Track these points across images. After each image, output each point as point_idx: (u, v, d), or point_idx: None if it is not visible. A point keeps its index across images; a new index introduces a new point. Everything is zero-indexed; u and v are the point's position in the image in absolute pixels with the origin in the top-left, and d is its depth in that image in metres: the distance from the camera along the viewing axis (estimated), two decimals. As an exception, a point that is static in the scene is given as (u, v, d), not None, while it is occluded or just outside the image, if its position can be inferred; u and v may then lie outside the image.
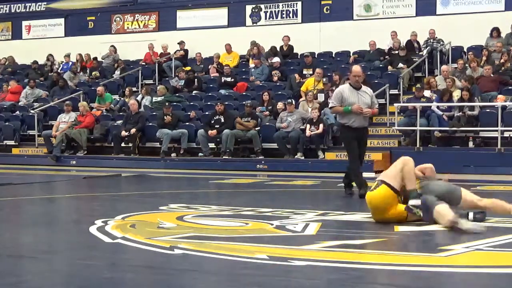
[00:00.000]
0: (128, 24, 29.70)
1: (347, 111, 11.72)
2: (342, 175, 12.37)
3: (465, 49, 22.98)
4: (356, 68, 12.06)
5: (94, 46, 28.69)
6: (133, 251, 6.95)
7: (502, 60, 21.14)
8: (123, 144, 21.48)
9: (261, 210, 9.82)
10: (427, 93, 19.72)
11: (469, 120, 18.42)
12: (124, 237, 7.55)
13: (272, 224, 8.46)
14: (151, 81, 26.26)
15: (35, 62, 29.06)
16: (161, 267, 6.21)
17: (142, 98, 23.61)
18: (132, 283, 5.76)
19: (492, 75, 20.10)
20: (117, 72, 27.06)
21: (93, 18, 30.06)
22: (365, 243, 7.33)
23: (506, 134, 18.10)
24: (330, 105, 12.46)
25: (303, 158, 19.04)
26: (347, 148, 12.09)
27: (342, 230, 8.28)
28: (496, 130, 17.89)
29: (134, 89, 25.28)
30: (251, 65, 25.10)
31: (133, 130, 21.02)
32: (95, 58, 28.47)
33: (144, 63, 27.24)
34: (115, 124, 22.19)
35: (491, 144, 18.11)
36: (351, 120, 11.80)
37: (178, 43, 27.07)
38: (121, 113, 23.15)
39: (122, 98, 24.68)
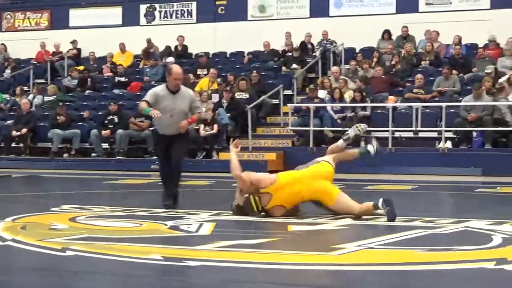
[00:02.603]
0: (19, 21, 29.10)
1: (146, 113, 10.41)
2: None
3: (357, 51, 23.34)
4: (177, 70, 10.35)
5: (-17, 44, 28.02)
6: (24, 253, 6.81)
7: (393, 62, 21.60)
8: (13, 144, 21.07)
9: (155, 211, 9.77)
10: (321, 93, 19.97)
11: (361, 121, 18.71)
12: (14, 239, 7.38)
13: (166, 225, 8.43)
14: (43, 80, 25.78)
15: None
16: (53, 269, 6.10)
17: (34, 97, 23.18)
18: (22, 286, 5.63)
19: (383, 76, 20.52)
20: (8, 71, 26.50)
21: (-18, 15, 29.37)
22: (259, 242, 7.36)
23: (397, 134, 18.50)
24: (143, 99, 10.71)
25: (201, 158, 19.09)
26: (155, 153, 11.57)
27: (236, 230, 8.30)
28: (387, 131, 18.27)
29: (26, 88, 24.75)
30: (146, 65, 24.91)
31: (24, 130, 20.64)
32: (-16, 57, 27.83)
33: (36, 62, 26.75)
34: (5, 124, 21.71)
35: (382, 144, 18.36)
36: (158, 126, 10.63)
37: (70, 42, 26.69)
38: (11, 113, 22.66)
39: (12, 98, 24.15)
